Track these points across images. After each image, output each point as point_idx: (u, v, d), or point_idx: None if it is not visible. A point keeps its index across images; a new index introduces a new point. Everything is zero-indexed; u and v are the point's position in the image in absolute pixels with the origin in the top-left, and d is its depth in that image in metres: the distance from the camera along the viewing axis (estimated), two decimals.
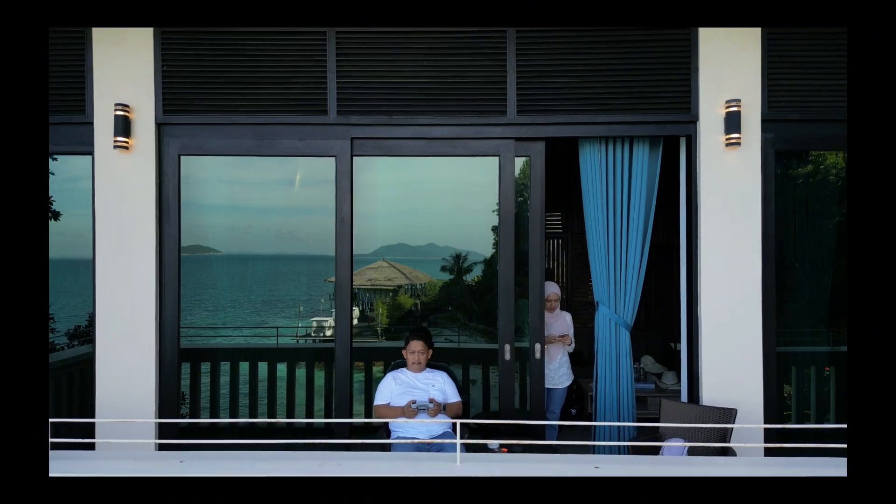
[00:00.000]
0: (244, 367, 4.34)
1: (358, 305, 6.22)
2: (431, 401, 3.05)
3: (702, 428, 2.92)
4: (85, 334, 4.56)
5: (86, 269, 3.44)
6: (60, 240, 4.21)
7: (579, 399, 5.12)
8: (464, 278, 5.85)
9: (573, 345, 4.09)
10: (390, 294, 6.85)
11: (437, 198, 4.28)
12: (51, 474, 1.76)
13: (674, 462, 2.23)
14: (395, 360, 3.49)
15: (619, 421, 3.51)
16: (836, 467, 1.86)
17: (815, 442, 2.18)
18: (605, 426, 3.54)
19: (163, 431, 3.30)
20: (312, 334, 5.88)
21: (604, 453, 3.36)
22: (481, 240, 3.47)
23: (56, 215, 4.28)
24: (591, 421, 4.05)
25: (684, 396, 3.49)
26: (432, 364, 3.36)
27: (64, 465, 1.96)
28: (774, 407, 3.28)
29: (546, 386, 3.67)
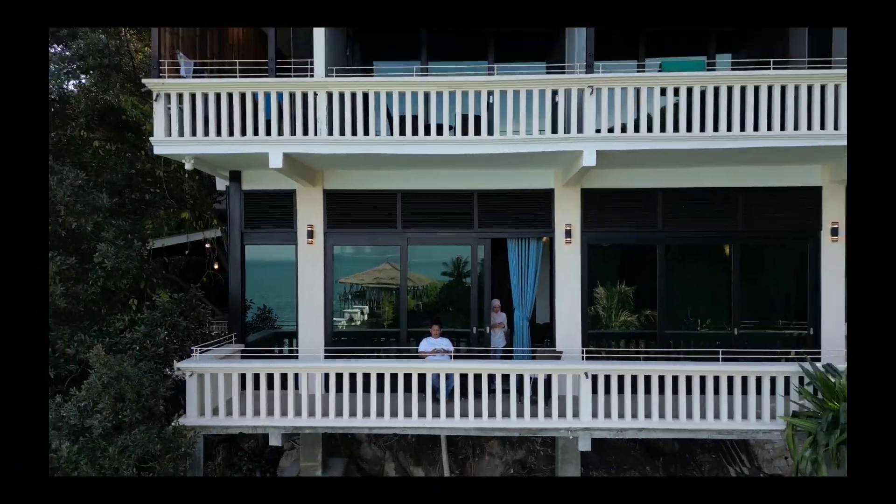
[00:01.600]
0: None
1: (366, 304, 8.24)
2: (442, 349, 7.49)
3: (548, 356, 7.42)
4: (254, 325, 8.94)
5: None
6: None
7: None
8: (463, 281, 7.42)
9: (506, 328, 8.59)
10: (393, 293, 8.24)
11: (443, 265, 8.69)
12: (286, 367, 5.73)
13: (531, 362, 6.67)
14: (426, 334, 7.93)
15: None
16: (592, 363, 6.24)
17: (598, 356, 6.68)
18: (517, 357, 8.02)
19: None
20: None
21: None
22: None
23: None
24: None
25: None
26: (442, 334, 7.80)
27: (293, 362, 6.25)
28: (586, 345, 7.80)
29: (492, 347, 8.15)
